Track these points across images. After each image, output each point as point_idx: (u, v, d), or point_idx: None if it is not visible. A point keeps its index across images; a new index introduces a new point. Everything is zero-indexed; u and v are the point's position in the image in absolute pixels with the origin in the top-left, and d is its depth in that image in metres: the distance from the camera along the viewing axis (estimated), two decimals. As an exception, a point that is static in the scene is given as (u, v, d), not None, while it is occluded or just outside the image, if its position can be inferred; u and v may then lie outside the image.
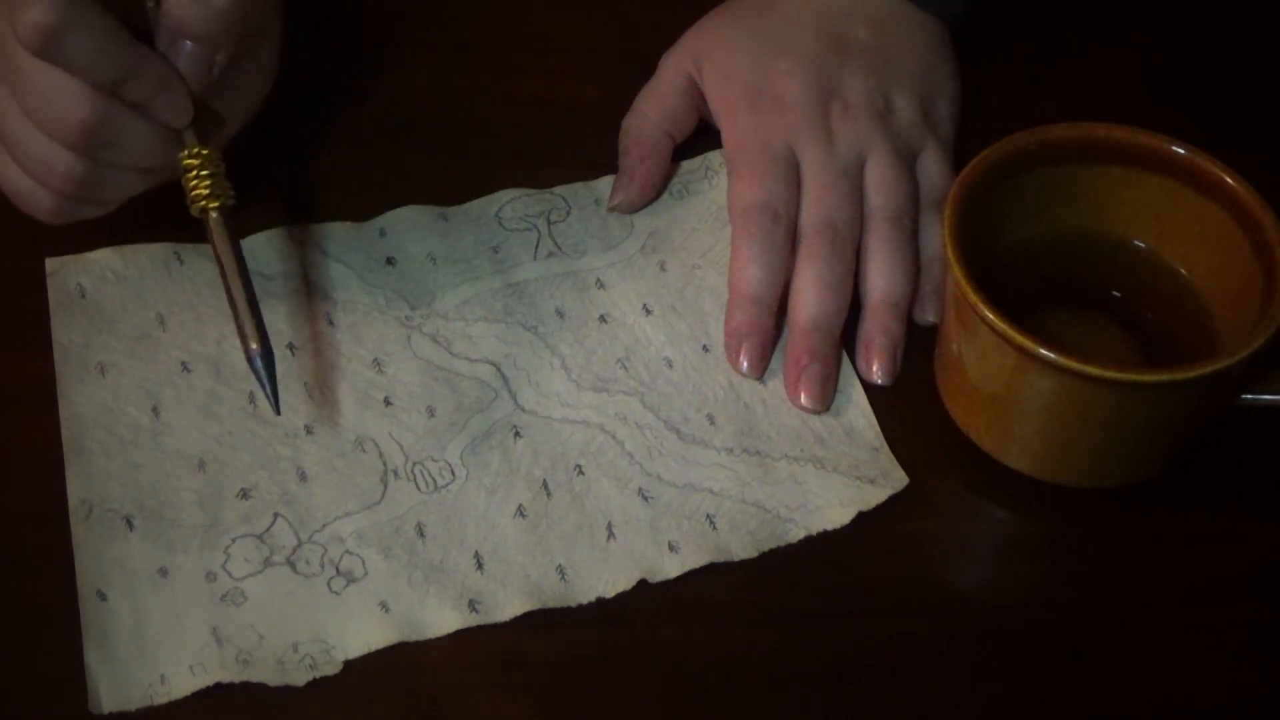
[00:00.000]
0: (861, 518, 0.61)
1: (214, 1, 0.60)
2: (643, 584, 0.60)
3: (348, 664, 0.58)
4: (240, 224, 0.67)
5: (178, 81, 0.60)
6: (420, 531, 0.61)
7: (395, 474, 0.62)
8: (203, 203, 0.61)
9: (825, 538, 0.61)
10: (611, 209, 0.70)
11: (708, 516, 0.61)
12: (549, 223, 0.70)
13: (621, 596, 0.60)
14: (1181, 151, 0.62)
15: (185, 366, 0.65)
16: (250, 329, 0.59)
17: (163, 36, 0.60)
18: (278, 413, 0.60)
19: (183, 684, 0.57)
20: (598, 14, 0.78)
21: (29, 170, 0.61)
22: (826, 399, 0.64)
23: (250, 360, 0.59)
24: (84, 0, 0.58)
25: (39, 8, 0.57)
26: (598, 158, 0.72)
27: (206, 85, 0.61)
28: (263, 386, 0.60)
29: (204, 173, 0.61)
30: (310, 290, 0.67)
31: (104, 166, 0.61)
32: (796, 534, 0.61)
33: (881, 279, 0.66)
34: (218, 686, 0.57)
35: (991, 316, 0.57)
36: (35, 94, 0.59)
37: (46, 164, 0.61)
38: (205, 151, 0.61)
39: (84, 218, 0.64)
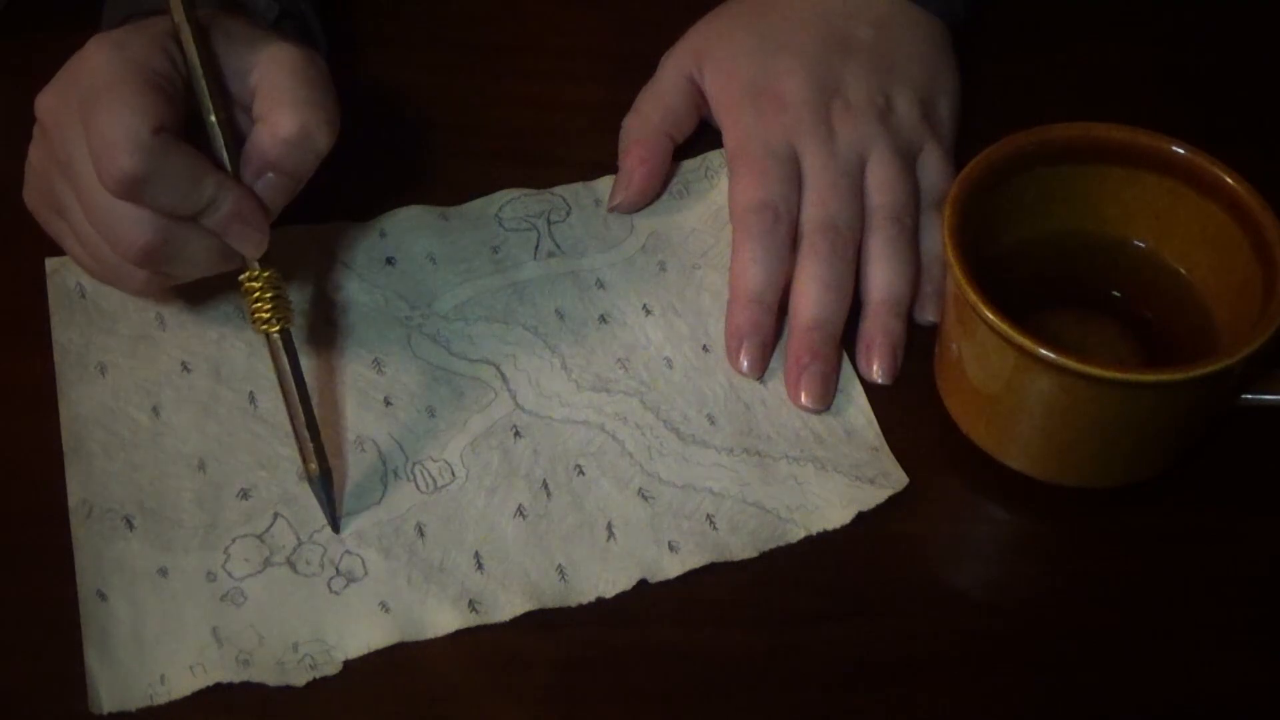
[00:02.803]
0: (861, 518, 0.61)
1: (316, 145, 0.60)
2: (643, 584, 0.60)
3: (348, 664, 0.58)
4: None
5: (256, 212, 0.60)
6: (420, 531, 0.61)
7: (395, 474, 0.62)
8: (264, 327, 0.61)
9: (825, 538, 0.61)
10: (611, 209, 0.70)
11: (708, 516, 0.61)
12: (549, 223, 0.70)
13: (621, 596, 0.60)
14: (1181, 151, 0.62)
15: (185, 366, 0.65)
16: (309, 451, 0.60)
17: (248, 164, 0.60)
18: (337, 531, 0.61)
19: (183, 684, 0.57)
20: (598, 14, 0.78)
21: (104, 265, 0.61)
22: (827, 398, 0.64)
23: (310, 481, 0.60)
24: (168, 143, 0.57)
25: (123, 158, 0.56)
26: (598, 158, 0.72)
27: (279, 211, 0.61)
28: (322, 507, 0.61)
29: (266, 295, 0.61)
30: (311, 290, 0.67)
31: (173, 275, 0.62)
32: (796, 534, 0.61)
33: (882, 279, 0.66)
34: (218, 686, 0.57)
35: (991, 316, 0.57)
36: (99, 213, 0.59)
37: (121, 272, 0.61)
38: (267, 273, 0.61)
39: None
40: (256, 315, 0.61)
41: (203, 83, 0.60)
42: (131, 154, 0.56)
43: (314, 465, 0.60)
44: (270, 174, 0.60)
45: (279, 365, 0.61)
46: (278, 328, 0.61)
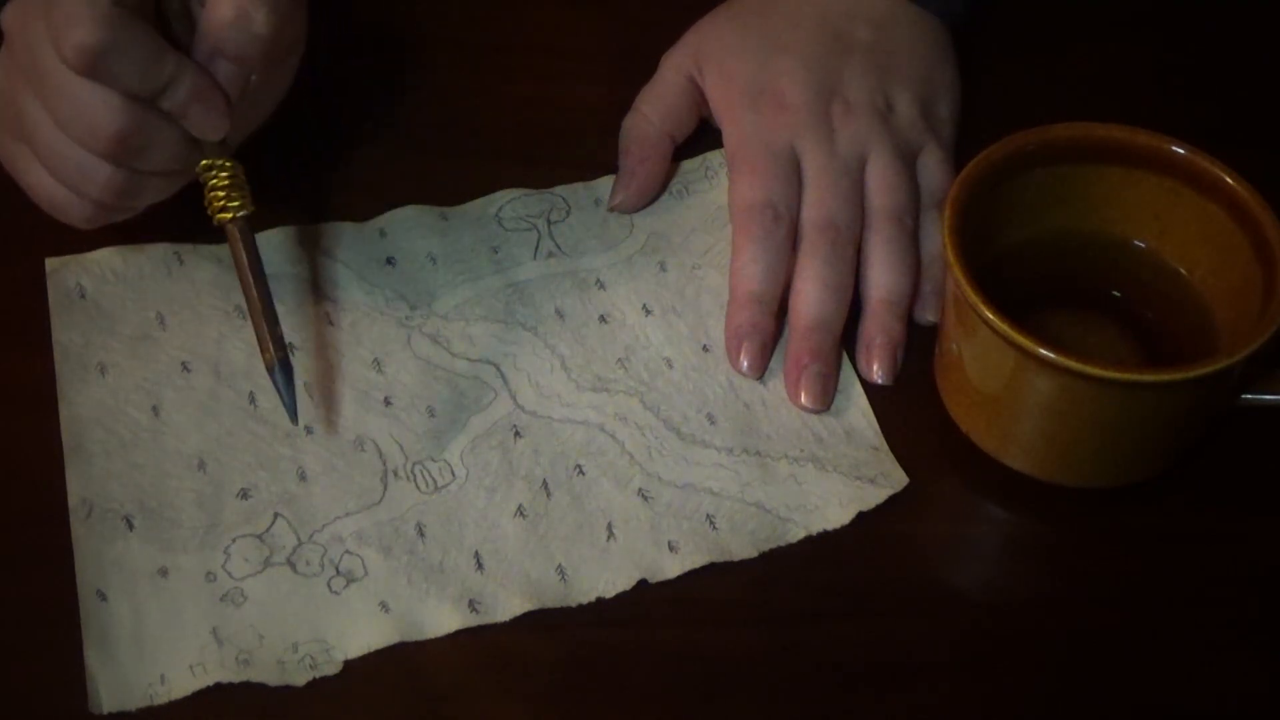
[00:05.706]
0: (861, 518, 0.61)
1: (255, 27, 0.60)
2: (643, 584, 0.60)
3: (348, 664, 0.58)
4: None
5: (214, 93, 0.60)
6: (420, 531, 0.61)
7: (395, 474, 0.62)
8: (220, 215, 0.61)
9: (825, 538, 0.61)
10: (611, 209, 0.70)
11: (708, 516, 0.61)
12: (549, 223, 0.70)
13: (621, 596, 0.60)
14: (1181, 151, 0.62)
15: (185, 366, 0.65)
16: (267, 341, 0.60)
17: (198, 51, 0.60)
18: (294, 422, 0.61)
19: (183, 684, 0.57)
20: (598, 14, 0.78)
21: (64, 180, 0.61)
22: (827, 399, 0.64)
23: (269, 370, 0.60)
24: (127, 17, 0.58)
25: (84, 28, 0.56)
26: (598, 158, 0.72)
27: (236, 103, 0.61)
28: (281, 396, 0.60)
29: (223, 179, 0.61)
30: (311, 290, 0.67)
31: (138, 174, 0.61)
32: (796, 534, 0.61)
33: (882, 279, 0.66)
34: (218, 686, 0.57)
35: (991, 316, 0.57)
36: (68, 105, 0.59)
37: (84, 174, 0.61)
38: (226, 161, 0.61)
39: (114, 221, 0.64)
40: (212, 203, 0.61)
41: None
42: (92, 25, 0.56)
43: (271, 354, 0.60)
44: (220, 60, 0.60)
45: (235, 254, 0.61)
46: (231, 215, 0.61)
